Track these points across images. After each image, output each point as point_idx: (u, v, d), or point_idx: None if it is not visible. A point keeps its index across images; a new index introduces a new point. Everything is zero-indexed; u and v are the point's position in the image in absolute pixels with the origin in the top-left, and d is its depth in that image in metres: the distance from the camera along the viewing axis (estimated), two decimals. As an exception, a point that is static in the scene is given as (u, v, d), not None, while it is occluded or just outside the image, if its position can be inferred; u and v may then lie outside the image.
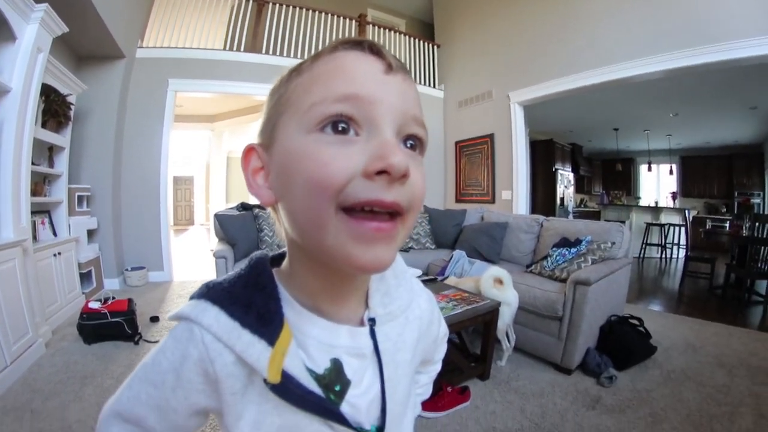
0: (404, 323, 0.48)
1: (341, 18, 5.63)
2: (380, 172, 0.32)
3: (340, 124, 0.34)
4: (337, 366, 0.42)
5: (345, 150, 0.33)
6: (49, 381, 2.16)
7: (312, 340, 0.41)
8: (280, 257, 0.47)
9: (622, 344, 2.43)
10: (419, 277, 2.87)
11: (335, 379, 0.41)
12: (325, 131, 0.34)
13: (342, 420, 0.40)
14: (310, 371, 0.40)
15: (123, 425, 0.44)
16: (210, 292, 0.40)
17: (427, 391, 0.68)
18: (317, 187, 0.33)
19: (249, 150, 0.40)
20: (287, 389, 0.37)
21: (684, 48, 3.43)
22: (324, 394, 0.39)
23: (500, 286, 2.37)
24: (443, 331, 0.63)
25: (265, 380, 0.37)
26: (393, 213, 0.34)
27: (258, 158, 0.40)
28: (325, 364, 0.41)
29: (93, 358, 2.46)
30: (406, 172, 0.33)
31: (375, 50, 0.37)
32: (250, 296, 0.39)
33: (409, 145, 0.38)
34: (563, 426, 1.84)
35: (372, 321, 0.44)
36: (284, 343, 0.38)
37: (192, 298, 0.41)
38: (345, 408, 0.41)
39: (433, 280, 2.77)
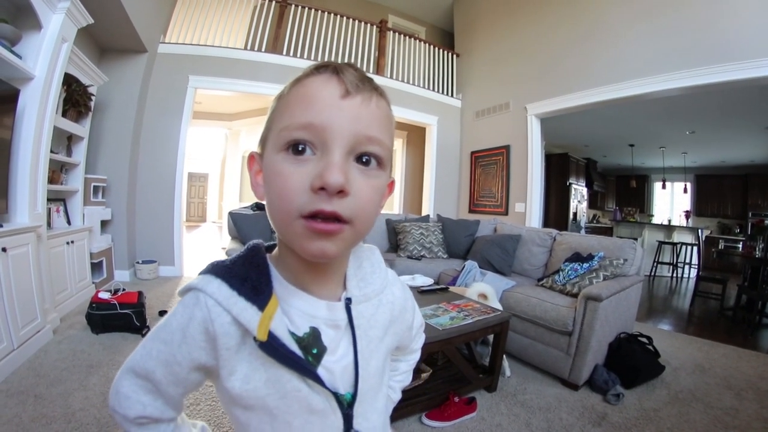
0: (377, 305, 0.57)
1: (362, 23, 5.67)
2: (321, 188, 0.40)
3: (299, 146, 0.42)
4: (315, 333, 0.51)
5: (300, 168, 0.42)
6: (55, 367, 2.17)
7: (295, 310, 0.50)
8: (273, 246, 0.56)
9: (631, 362, 2.38)
10: (430, 285, 2.86)
11: (312, 342, 0.50)
12: (289, 151, 0.43)
13: (316, 378, 0.48)
14: (292, 334, 0.48)
15: (134, 379, 0.52)
16: (214, 268, 0.49)
17: (407, 379, 0.77)
18: (282, 199, 0.43)
19: (251, 156, 0.51)
20: (272, 347, 0.45)
21: (702, 66, 3.41)
22: (303, 356, 0.48)
23: (485, 301, 2.40)
24: (418, 321, 0.73)
25: (254, 338, 0.44)
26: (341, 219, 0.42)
27: (257, 163, 0.50)
28: (305, 329, 0.50)
29: (100, 348, 2.48)
30: (341, 189, 0.41)
31: (339, 72, 0.44)
32: (246, 272, 0.48)
33: (364, 161, 0.44)
34: (569, 442, 1.81)
35: (348, 300, 0.53)
36: (271, 309, 0.46)
37: (200, 273, 0.49)
38: (321, 371, 0.49)
39: (444, 289, 2.74)
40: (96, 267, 3.71)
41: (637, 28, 3.94)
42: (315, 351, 0.50)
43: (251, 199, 5.65)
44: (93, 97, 3.47)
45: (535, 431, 1.88)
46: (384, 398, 0.61)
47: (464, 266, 3.37)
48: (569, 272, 2.80)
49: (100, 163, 4.05)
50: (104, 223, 4.02)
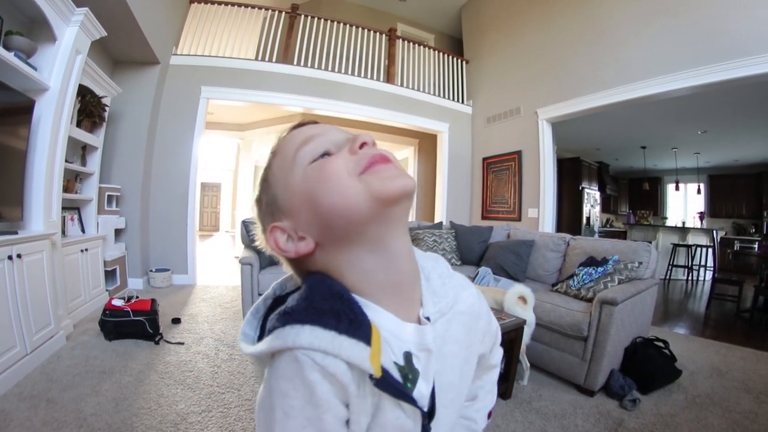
0: (450, 319, 0.53)
1: (372, 32, 5.72)
2: (362, 145, 0.47)
3: (325, 155, 0.47)
4: (408, 358, 0.47)
5: (333, 158, 0.47)
6: (68, 373, 2.19)
7: (389, 334, 0.46)
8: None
9: (647, 367, 2.33)
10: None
11: (409, 369, 0.47)
12: (319, 158, 0.47)
13: (414, 404, 0.45)
14: (395, 363, 0.45)
15: None
16: (292, 315, 0.41)
17: (490, 402, 0.73)
18: (332, 173, 0.45)
19: (272, 230, 0.49)
20: (387, 382, 0.41)
21: (712, 63, 3.39)
22: (408, 386, 0.46)
23: (524, 305, 2.32)
24: (495, 326, 0.69)
25: (370, 376, 0.40)
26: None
27: (281, 231, 0.48)
28: (401, 356, 0.47)
29: (113, 354, 2.49)
30: (371, 140, 0.48)
31: (306, 123, 0.52)
32: (333, 306, 0.42)
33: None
34: (584, 449, 1.77)
35: (428, 319, 0.50)
36: (377, 342, 0.42)
37: (270, 331, 0.41)
38: (416, 394, 0.46)
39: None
40: (109, 275, 3.76)
41: (645, 28, 3.92)
42: (411, 376, 0.47)
43: None
44: (107, 108, 3.55)
45: (550, 438, 1.84)
46: (457, 413, 0.60)
47: (478, 272, 3.35)
48: (584, 276, 2.76)
49: (114, 172, 4.11)
50: (118, 232, 4.07)
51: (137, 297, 2.99)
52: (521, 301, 2.34)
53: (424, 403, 0.48)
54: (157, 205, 4.56)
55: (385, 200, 0.44)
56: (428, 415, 0.48)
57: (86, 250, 3.20)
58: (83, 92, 3.17)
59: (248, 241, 3.39)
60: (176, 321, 3.20)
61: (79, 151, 3.44)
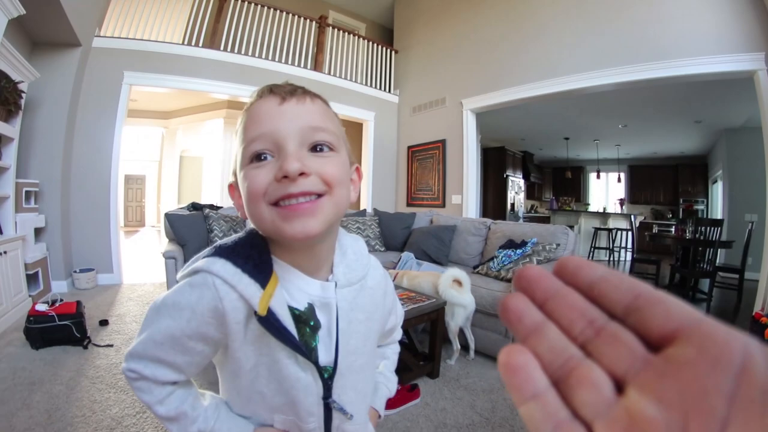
0: (359, 289, 0.62)
1: (302, 18, 5.64)
2: (284, 177, 0.48)
3: (261, 156, 0.51)
4: (311, 308, 0.58)
5: (263, 170, 0.50)
6: (-5, 387, 2.07)
7: (294, 287, 0.57)
8: None
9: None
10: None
11: (310, 316, 0.57)
12: (253, 162, 0.51)
13: (302, 352, 0.54)
14: (293, 309, 0.55)
15: (141, 361, 0.55)
16: (218, 250, 0.55)
17: (393, 364, 0.84)
18: (251, 196, 0.50)
19: (230, 186, 0.59)
20: (269, 322, 0.51)
21: (634, 63, 3.68)
22: (297, 332, 0.54)
23: (459, 288, 2.44)
24: (400, 311, 0.82)
25: (255, 312, 0.51)
26: (319, 195, 0.50)
27: (236, 190, 0.57)
28: (303, 305, 0.57)
29: (41, 364, 2.37)
30: (301, 171, 0.48)
31: (273, 89, 0.53)
32: (248, 252, 0.55)
33: (319, 149, 0.52)
34: (513, 420, 1.95)
35: (335, 284, 0.59)
36: (271, 287, 0.53)
37: (204, 257, 0.54)
38: (320, 344, 0.58)
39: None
40: (32, 278, 3.51)
41: (570, 25, 4.17)
42: (312, 323, 0.57)
43: (190, 200, 5.50)
44: (23, 95, 3.26)
45: (481, 412, 2.01)
46: (367, 382, 0.67)
47: (401, 257, 3.48)
48: (503, 258, 2.96)
49: (32, 166, 3.82)
50: (38, 231, 3.79)
51: (62, 300, 2.85)
52: (456, 284, 2.45)
53: (329, 359, 0.58)
54: (79, 200, 4.29)
55: (283, 239, 0.52)
56: (332, 373, 0.58)
57: (5, 252, 2.96)
58: (-3, 77, 2.91)
59: (172, 234, 3.31)
60: (104, 323, 3.09)
61: (-8, 143, 3.16)
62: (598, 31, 3.96)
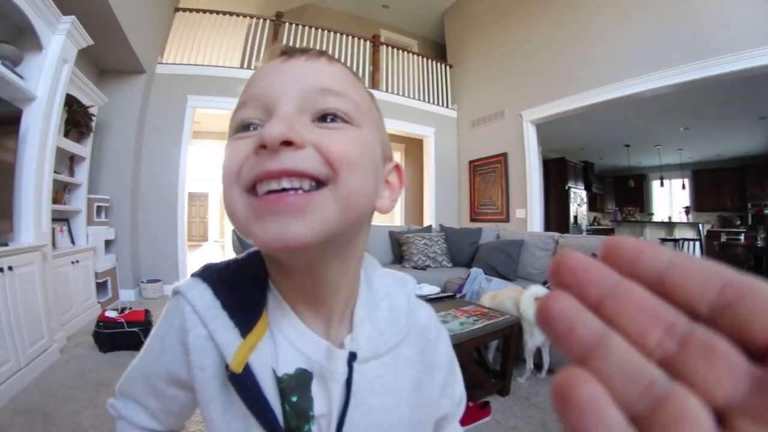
0: (387, 363, 0.42)
1: (356, 38, 5.75)
2: (261, 146, 0.32)
3: (249, 126, 0.35)
4: (302, 378, 0.39)
5: (242, 143, 0.34)
6: (63, 386, 2.15)
7: (284, 340, 0.40)
8: None
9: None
10: (437, 293, 2.84)
11: (294, 387, 0.39)
12: (238, 134, 0.36)
13: (265, 421, 0.37)
14: (276, 373, 0.38)
15: (124, 401, 0.48)
16: (204, 271, 0.42)
17: None
18: (223, 176, 0.35)
19: None
20: (244, 384, 0.36)
21: (691, 61, 3.46)
22: (280, 402, 0.38)
23: None
24: (459, 393, 0.53)
25: (227, 366, 0.36)
26: (319, 183, 0.33)
27: None
28: (289, 369, 0.39)
29: (108, 366, 2.45)
30: (286, 138, 0.31)
31: (283, 51, 0.38)
32: (237, 280, 0.41)
33: (328, 120, 0.35)
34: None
35: (352, 355, 0.39)
36: (255, 337, 0.38)
37: (191, 275, 0.43)
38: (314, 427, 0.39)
39: (451, 296, 2.74)
40: (101, 286, 3.71)
41: (625, 27, 3.99)
42: (294, 399, 0.39)
43: None
44: (94, 118, 3.51)
45: (551, 431, 1.87)
46: None
47: (469, 273, 3.37)
48: None
49: (103, 183, 4.07)
50: (108, 243, 4.02)
51: (131, 308, 2.96)
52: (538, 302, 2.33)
53: None
54: (147, 215, 4.51)
55: (255, 243, 0.34)
56: None
57: (77, 261, 3.15)
58: (70, 102, 3.13)
59: (240, 249, 3.35)
60: (170, 332, 3.15)
61: (66, 161, 3.39)
62: (653, 30, 3.75)
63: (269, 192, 0.32)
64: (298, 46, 0.39)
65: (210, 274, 0.41)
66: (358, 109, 0.37)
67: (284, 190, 0.32)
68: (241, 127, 0.36)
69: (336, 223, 0.33)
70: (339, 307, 0.41)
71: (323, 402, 0.39)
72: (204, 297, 0.39)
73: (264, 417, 0.36)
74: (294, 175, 0.32)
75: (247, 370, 0.36)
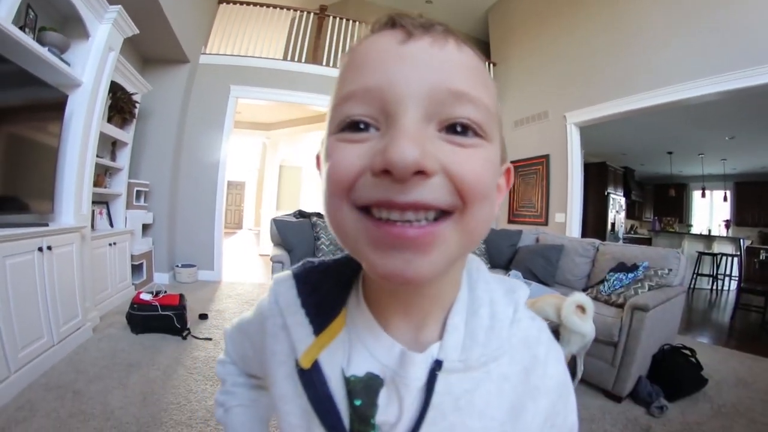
0: (480, 379, 0.36)
1: (399, 32, 5.73)
2: (384, 171, 0.27)
3: (358, 124, 0.29)
4: (371, 382, 0.36)
5: (355, 149, 0.29)
6: (95, 365, 2.21)
7: (359, 343, 0.38)
8: None
9: (674, 375, 2.30)
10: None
11: (360, 391, 0.36)
12: (344, 132, 0.30)
13: (328, 421, 0.36)
14: (345, 374, 0.37)
15: (222, 363, 0.57)
16: (298, 268, 0.44)
17: None
18: (330, 185, 0.30)
19: (317, 158, 0.36)
20: (311, 380, 0.36)
21: (740, 69, 3.31)
22: (348, 403, 0.36)
23: (582, 315, 2.19)
24: (570, 422, 0.42)
25: (296, 361, 0.37)
26: (443, 212, 0.28)
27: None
28: (359, 371, 0.37)
29: (140, 348, 2.51)
30: (417, 168, 0.26)
31: (395, 22, 0.31)
32: (321, 281, 0.41)
33: (459, 132, 0.29)
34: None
35: (437, 363, 0.35)
36: (328, 337, 0.37)
37: (290, 268, 0.45)
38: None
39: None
40: (136, 269, 3.82)
41: (674, 32, 3.84)
42: (359, 403, 0.36)
43: (288, 207, 5.70)
44: (137, 105, 3.61)
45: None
46: None
47: (508, 276, 3.30)
48: (614, 282, 2.73)
49: (143, 168, 4.19)
50: (145, 227, 4.13)
51: (165, 291, 3.02)
52: (579, 310, 2.18)
53: None
54: (185, 201, 4.63)
55: (370, 274, 0.32)
56: None
57: (114, 243, 3.26)
58: (114, 89, 3.22)
59: (278, 239, 3.40)
60: (203, 317, 3.22)
61: (109, 146, 3.50)
62: (704, 36, 3.59)
63: (388, 220, 0.28)
64: (400, 12, 0.32)
65: (300, 272, 0.43)
66: (490, 117, 0.31)
67: (402, 219, 0.28)
68: (348, 125, 0.30)
69: (458, 254, 0.31)
70: (435, 314, 0.37)
71: (393, 411, 0.35)
72: (288, 293, 0.41)
73: (327, 416, 0.36)
74: (421, 209, 0.28)
75: (316, 367, 0.36)
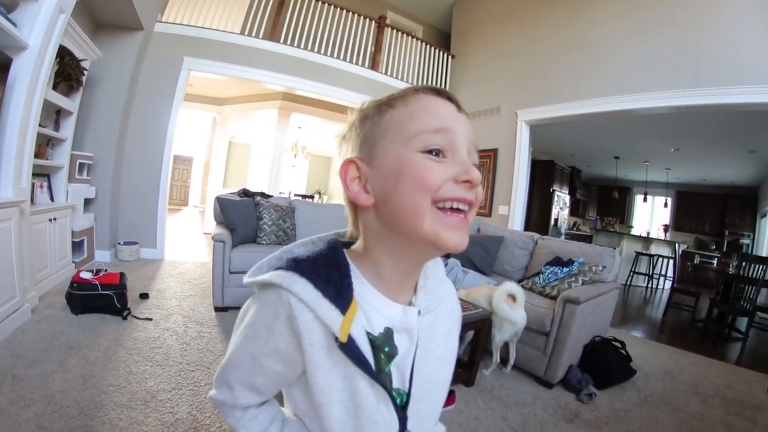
0: (435, 316, 0.61)
1: (362, 17, 5.68)
2: (465, 181, 0.48)
3: (436, 152, 0.48)
4: (388, 333, 0.55)
5: (440, 165, 0.48)
6: (33, 348, 2.11)
7: (373, 309, 0.54)
8: (349, 243, 0.61)
9: (604, 364, 2.48)
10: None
11: (385, 342, 0.55)
12: (430, 153, 0.48)
13: (380, 382, 0.52)
14: (368, 333, 0.52)
15: (221, 389, 0.59)
16: (298, 266, 0.50)
17: None
18: (422, 186, 0.47)
19: (348, 162, 0.52)
20: (350, 349, 0.49)
21: (692, 87, 3.54)
22: (374, 357, 0.52)
23: (512, 303, 2.35)
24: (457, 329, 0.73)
25: (336, 339, 0.48)
26: (466, 208, 0.49)
27: (356, 169, 0.52)
28: (380, 329, 0.54)
29: (79, 329, 2.43)
30: (479, 182, 0.49)
31: (448, 96, 0.52)
32: (329, 273, 0.51)
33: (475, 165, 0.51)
34: (542, 437, 1.87)
35: (419, 311, 0.57)
36: (351, 313, 0.49)
37: (278, 268, 0.51)
38: (393, 369, 0.56)
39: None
40: (77, 246, 3.64)
41: (631, 44, 4.05)
42: (387, 349, 0.55)
43: (236, 185, 5.56)
44: (85, 72, 3.40)
45: (511, 425, 1.95)
46: (437, 413, 0.66)
47: (447, 263, 3.41)
48: (549, 275, 2.88)
49: (88, 139, 3.98)
50: (87, 202, 3.94)
51: (105, 270, 2.92)
52: (510, 299, 2.37)
53: (403, 386, 0.57)
54: (129, 176, 4.44)
55: (435, 245, 0.48)
56: (404, 404, 0.57)
57: (55, 219, 3.09)
58: (62, 54, 3.02)
59: (221, 218, 3.35)
60: (144, 296, 3.15)
61: (53, 115, 3.30)
62: (659, 51, 3.82)
63: (452, 209, 0.48)
64: (447, 90, 0.53)
65: (304, 269, 0.50)
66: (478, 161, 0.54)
67: (459, 210, 0.48)
68: (429, 149, 0.48)
69: None
70: (414, 280, 0.59)
71: (404, 344, 0.57)
72: (307, 290, 0.48)
73: (365, 366, 0.50)
74: (470, 204, 0.49)
75: (350, 338, 0.49)
